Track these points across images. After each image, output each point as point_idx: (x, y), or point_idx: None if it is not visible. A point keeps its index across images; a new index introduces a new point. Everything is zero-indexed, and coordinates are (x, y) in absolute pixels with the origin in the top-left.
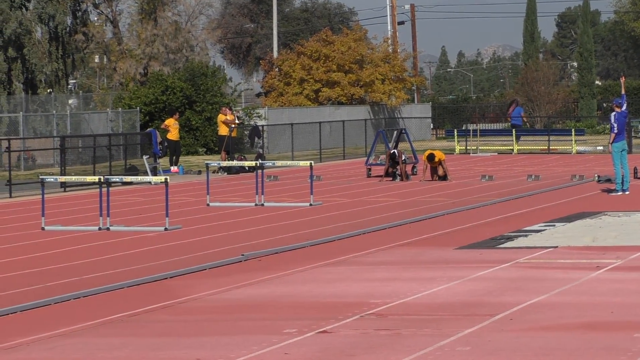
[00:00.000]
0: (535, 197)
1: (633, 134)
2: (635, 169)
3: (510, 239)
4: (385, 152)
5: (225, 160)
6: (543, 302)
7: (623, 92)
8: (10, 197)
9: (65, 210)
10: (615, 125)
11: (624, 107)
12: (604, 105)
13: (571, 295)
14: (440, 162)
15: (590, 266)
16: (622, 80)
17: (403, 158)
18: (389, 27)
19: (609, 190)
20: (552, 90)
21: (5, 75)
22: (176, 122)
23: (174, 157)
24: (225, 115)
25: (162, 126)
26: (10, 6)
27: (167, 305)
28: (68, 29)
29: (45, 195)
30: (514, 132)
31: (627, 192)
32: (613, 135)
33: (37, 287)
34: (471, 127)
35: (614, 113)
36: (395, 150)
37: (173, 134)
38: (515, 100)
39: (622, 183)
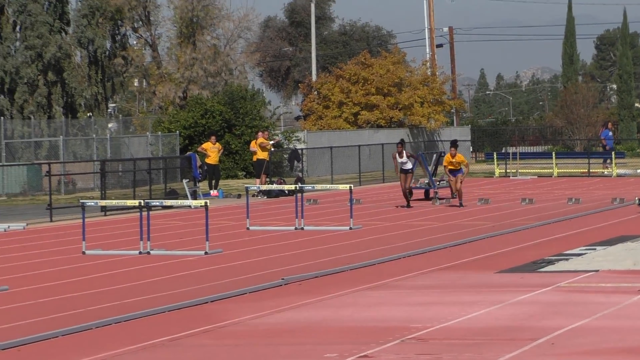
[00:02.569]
0: (575, 221)
1: None
2: None
3: (551, 262)
4: (424, 176)
5: (264, 184)
6: (584, 327)
7: None
8: (51, 221)
9: (105, 234)
10: None
11: None
12: None
13: (612, 319)
14: (460, 170)
15: (631, 290)
16: None
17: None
18: (427, 50)
19: None
20: (591, 113)
21: (45, 100)
22: (214, 145)
23: (214, 181)
24: (263, 140)
25: (199, 149)
26: (50, 30)
27: (208, 329)
28: (107, 52)
29: (86, 219)
30: (554, 155)
31: None
32: None
33: (78, 311)
34: (510, 150)
35: None
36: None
37: (212, 158)
38: (606, 123)
39: None
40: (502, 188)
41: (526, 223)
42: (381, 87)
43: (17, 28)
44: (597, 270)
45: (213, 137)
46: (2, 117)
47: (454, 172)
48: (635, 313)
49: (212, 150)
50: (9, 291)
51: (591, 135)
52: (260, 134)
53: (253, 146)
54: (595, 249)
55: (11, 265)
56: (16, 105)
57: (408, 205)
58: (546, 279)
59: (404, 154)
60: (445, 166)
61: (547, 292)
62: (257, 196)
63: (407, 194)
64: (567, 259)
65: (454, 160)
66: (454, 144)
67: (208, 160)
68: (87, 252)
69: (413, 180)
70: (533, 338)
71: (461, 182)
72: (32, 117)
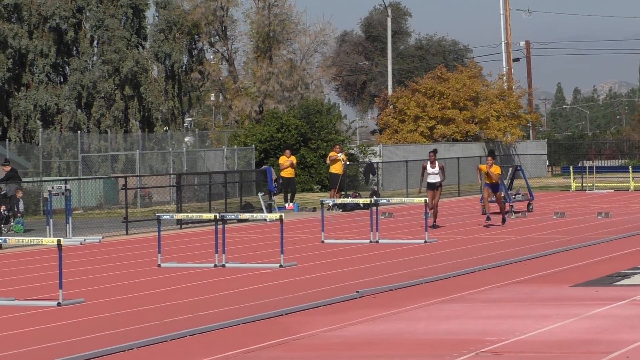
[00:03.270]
0: None
1: None
2: None
3: (626, 276)
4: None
5: (336, 197)
6: None
7: None
8: (127, 234)
9: (181, 247)
10: None
11: None
12: None
13: None
14: (499, 186)
15: None
16: None
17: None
18: (504, 64)
19: None
20: None
21: (122, 114)
22: (288, 159)
23: (289, 194)
24: (336, 154)
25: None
26: (127, 45)
27: (283, 342)
28: (184, 67)
29: (162, 232)
30: (630, 169)
31: None
32: None
33: (153, 323)
34: (587, 164)
35: None
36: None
37: (287, 171)
38: None
39: None
40: (578, 202)
41: (602, 237)
42: (457, 101)
43: (95, 43)
44: None
45: (287, 151)
46: (79, 131)
47: (493, 187)
48: None
49: (286, 164)
50: (85, 303)
51: None
52: (336, 146)
53: (329, 160)
54: None
55: (87, 278)
56: (93, 120)
57: (434, 225)
58: (622, 292)
59: (437, 164)
60: (481, 173)
61: (623, 306)
62: (332, 209)
63: (435, 211)
64: (637, 273)
65: (490, 171)
66: (491, 153)
67: (283, 174)
68: (163, 264)
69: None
70: (608, 351)
71: (503, 202)
72: (109, 131)
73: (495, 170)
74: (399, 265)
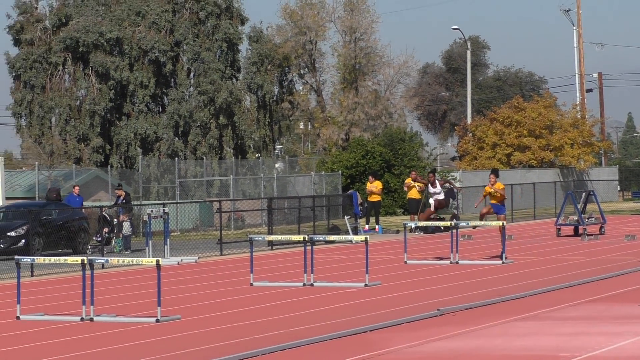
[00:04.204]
0: None
1: None
2: None
3: None
4: (573, 213)
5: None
6: None
7: None
8: (221, 254)
9: (271, 267)
10: None
11: None
12: None
13: None
14: (502, 207)
15: None
16: None
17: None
18: (577, 94)
19: None
20: None
21: (217, 141)
22: (371, 184)
23: (372, 217)
24: (412, 179)
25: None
26: (222, 77)
27: (368, 357)
28: (275, 97)
29: (254, 253)
30: None
31: None
32: None
33: (246, 339)
34: None
35: None
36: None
37: (373, 196)
38: None
39: None
40: None
41: None
42: (533, 130)
43: (191, 75)
44: None
45: (371, 177)
46: (176, 158)
47: (497, 208)
48: None
49: (374, 188)
50: (182, 320)
51: None
52: (412, 173)
53: (407, 186)
54: None
55: (184, 296)
56: (189, 147)
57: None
58: None
59: (437, 184)
60: (485, 196)
61: None
62: (414, 232)
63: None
64: None
65: (492, 190)
66: (494, 171)
67: (370, 198)
68: (255, 283)
69: (562, 217)
70: None
71: (503, 226)
72: (204, 157)
73: (499, 186)
74: (477, 285)
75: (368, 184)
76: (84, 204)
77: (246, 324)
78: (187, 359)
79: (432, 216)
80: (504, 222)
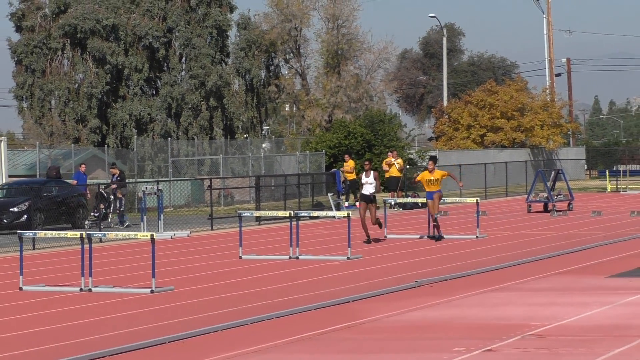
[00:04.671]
0: None
1: None
2: None
3: None
4: (543, 190)
5: (397, 197)
6: None
7: None
8: (212, 229)
9: (259, 241)
10: None
11: None
12: None
13: None
14: (439, 190)
15: None
16: None
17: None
18: (547, 79)
19: None
20: None
21: (207, 123)
22: (346, 163)
23: (352, 195)
24: (391, 159)
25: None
26: (212, 61)
27: (350, 325)
28: (262, 81)
29: (242, 228)
30: None
31: None
32: None
33: (235, 308)
34: (621, 168)
35: None
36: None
37: (350, 175)
38: None
39: None
40: (613, 202)
41: (634, 233)
42: (505, 112)
43: (183, 59)
44: None
45: (346, 156)
46: (169, 138)
47: (431, 193)
48: None
49: (348, 167)
50: (175, 291)
51: None
52: (389, 153)
53: (385, 165)
54: None
55: (176, 268)
56: (182, 128)
57: (368, 241)
58: None
59: (371, 174)
60: (421, 182)
61: None
62: (393, 208)
63: (365, 225)
64: None
65: (432, 177)
66: (433, 158)
67: (348, 177)
68: (244, 256)
69: (533, 194)
70: (637, 337)
71: (438, 208)
72: (195, 138)
73: (438, 174)
74: (453, 258)
75: (351, 162)
76: (72, 180)
77: (236, 295)
78: (180, 327)
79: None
80: (436, 208)
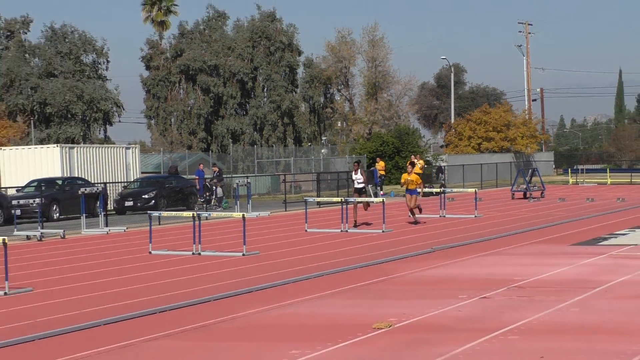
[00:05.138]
0: (622, 212)
1: None
2: None
3: (605, 239)
4: (523, 183)
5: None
6: (627, 281)
7: None
8: (285, 210)
9: (319, 219)
10: None
11: None
12: None
13: None
14: (415, 190)
15: None
16: None
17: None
18: (526, 103)
19: None
20: (633, 143)
21: (282, 134)
22: (378, 164)
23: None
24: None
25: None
26: (285, 90)
27: (385, 279)
28: (321, 105)
29: (308, 210)
30: (608, 170)
31: None
32: None
33: (304, 267)
34: (579, 167)
35: None
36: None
37: (381, 171)
38: None
39: None
40: (573, 191)
41: (590, 213)
42: (496, 127)
43: (264, 89)
44: (636, 244)
45: (378, 158)
46: (255, 145)
47: (411, 191)
48: None
49: (380, 165)
50: (260, 254)
51: (633, 157)
52: (412, 156)
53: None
54: (635, 231)
55: (261, 238)
56: (264, 138)
57: (355, 225)
58: (602, 249)
59: (359, 172)
60: (402, 183)
61: (603, 258)
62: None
63: (356, 212)
64: (616, 237)
65: (409, 178)
66: (412, 164)
67: (380, 172)
68: (308, 230)
69: (515, 186)
70: (594, 287)
71: (415, 202)
72: (273, 145)
73: (414, 177)
74: (460, 231)
75: (376, 164)
76: (188, 177)
77: (302, 258)
78: (264, 280)
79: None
80: (416, 201)
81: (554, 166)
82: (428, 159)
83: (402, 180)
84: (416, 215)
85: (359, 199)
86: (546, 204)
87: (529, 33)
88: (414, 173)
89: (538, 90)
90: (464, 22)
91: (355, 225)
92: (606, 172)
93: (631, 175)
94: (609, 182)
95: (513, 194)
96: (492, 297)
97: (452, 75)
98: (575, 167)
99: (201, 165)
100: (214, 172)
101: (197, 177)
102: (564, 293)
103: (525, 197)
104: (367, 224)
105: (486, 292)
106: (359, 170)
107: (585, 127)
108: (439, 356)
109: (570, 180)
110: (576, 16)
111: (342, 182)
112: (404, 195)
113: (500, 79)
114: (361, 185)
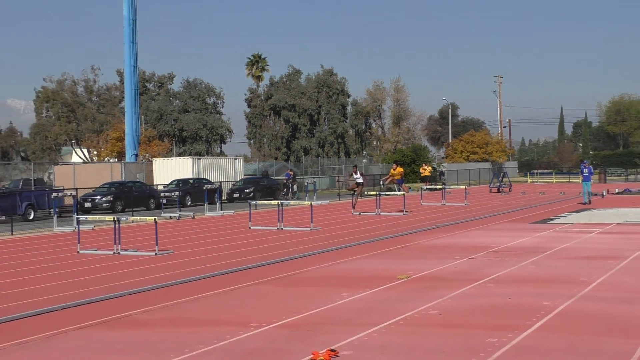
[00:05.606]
0: (563, 202)
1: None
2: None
3: (552, 219)
4: (494, 183)
5: (427, 186)
6: (568, 247)
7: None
8: (339, 200)
9: (362, 206)
10: (585, 170)
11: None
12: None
13: (581, 244)
14: (402, 179)
15: (588, 231)
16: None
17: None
18: (499, 129)
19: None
20: (570, 156)
21: (337, 150)
22: (395, 170)
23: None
24: (425, 166)
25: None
26: (339, 120)
27: (403, 246)
28: (363, 130)
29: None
30: (554, 173)
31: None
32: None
33: (350, 238)
34: (535, 171)
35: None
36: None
37: (397, 176)
38: (583, 161)
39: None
40: (531, 188)
41: (541, 202)
42: (479, 145)
43: (325, 120)
44: (573, 223)
45: (394, 164)
46: (318, 157)
47: (399, 181)
48: (590, 241)
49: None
50: (322, 229)
51: (571, 165)
52: (423, 164)
53: (422, 170)
54: (572, 214)
55: (322, 218)
56: (325, 152)
57: (353, 206)
58: (550, 226)
59: (358, 173)
60: (391, 176)
61: (551, 232)
62: (425, 190)
63: (356, 199)
64: (559, 218)
65: (394, 172)
66: (396, 162)
67: (396, 176)
68: (354, 212)
69: (492, 185)
70: (544, 251)
71: (404, 189)
72: (331, 157)
73: (399, 170)
74: (454, 214)
75: (392, 170)
76: (275, 178)
77: (350, 231)
78: (326, 246)
79: (358, 191)
80: (405, 190)
81: (518, 171)
82: (434, 166)
83: (389, 175)
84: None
85: (357, 190)
86: (513, 196)
87: (501, 82)
88: (397, 170)
89: (507, 120)
90: (458, 75)
91: (354, 206)
92: (552, 175)
93: (569, 177)
94: (554, 182)
95: (490, 189)
96: (476, 258)
97: (450, 110)
98: (532, 172)
99: (289, 170)
100: (290, 174)
101: (285, 178)
102: (524, 255)
103: (498, 191)
104: (401, 210)
105: (472, 254)
106: (357, 171)
107: (539, 145)
108: (441, 297)
109: (529, 180)
110: (534, 71)
111: (377, 181)
112: (414, 190)
113: (482, 112)
114: (360, 181)
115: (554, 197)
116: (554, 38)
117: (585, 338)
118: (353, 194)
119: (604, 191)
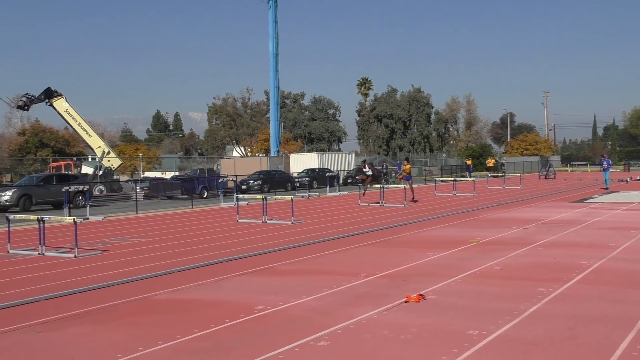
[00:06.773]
0: (595, 186)
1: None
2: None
3: (587, 199)
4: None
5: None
6: (600, 220)
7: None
8: (424, 184)
9: (444, 188)
10: (604, 162)
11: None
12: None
13: (612, 217)
14: (410, 176)
15: (616, 208)
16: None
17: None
18: (546, 131)
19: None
20: (602, 151)
21: (424, 147)
22: (405, 166)
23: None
24: (489, 159)
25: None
26: (425, 125)
27: (473, 219)
28: (443, 132)
29: (436, 184)
30: (588, 164)
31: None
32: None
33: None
34: (574, 163)
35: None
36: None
37: (406, 171)
38: (604, 155)
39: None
40: (572, 176)
41: (579, 186)
42: (530, 143)
43: (415, 125)
44: (604, 202)
45: (405, 161)
46: (410, 152)
47: (407, 177)
48: (619, 215)
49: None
50: (412, 206)
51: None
52: (489, 158)
53: (487, 162)
54: (602, 195)
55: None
56: (415, 149)
57: (364, 194)
58: (586, 204)
59: (367, 167)
60: (403, 172)
61: (586, 209)
62: (489, 177)
63: (365, 188)
64: (592, 198)
65: (405, 168)
66: (407, 159)
67: (405, 172)
68: (437, 194)
69: (542, 173)
70: (581, 223)
71: (411, 185)
72: (419, 152)
73: (407, 167)
74: (514, 194)
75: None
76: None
77: (431, 207)
78: (413, 218)
79: (367, 182)
80: (410, 185)
81: (560, 162)
82: (496, 159)
83: (402, 170)
84: (414, 193)
85: (367, 182)
86: (556, 182)
87: (547, 96)
88: (407, 166)
89: (552, 125)
90: (515, 90)
91: (363, 194)
92: (587, 166)
93: (600, 168)
94: (589, 171)
95: (539, 177)
96: (529, 228)
97: (508, 117)
98: (571, 163)
99: (406, 162)
100: (400, 165)
101: (397, 168)
102: (566, 226)
103: (546, 178)
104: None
105: (526, 225)
106: (366, 165)
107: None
108: (502, 257)
109: (569, 170)
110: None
111: (454, 170)
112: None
113: (533, 119)
114: (369, 173)
115: (588, 182)
116: (590, 57)
117: (613, 289)
118: (362, 186)
119: (628, 178)
